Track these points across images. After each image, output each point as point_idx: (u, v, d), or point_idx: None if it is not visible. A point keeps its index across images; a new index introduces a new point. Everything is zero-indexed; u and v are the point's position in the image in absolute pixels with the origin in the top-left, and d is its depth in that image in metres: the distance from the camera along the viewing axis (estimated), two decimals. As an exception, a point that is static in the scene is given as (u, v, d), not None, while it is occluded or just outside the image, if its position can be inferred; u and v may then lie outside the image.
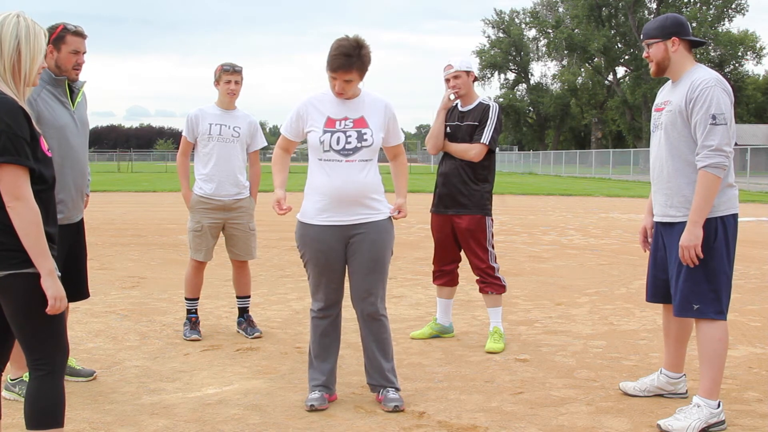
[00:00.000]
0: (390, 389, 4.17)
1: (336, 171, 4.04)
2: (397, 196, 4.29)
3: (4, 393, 4.26)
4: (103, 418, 3.96)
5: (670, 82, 4.08)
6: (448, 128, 5.42)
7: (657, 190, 4.06)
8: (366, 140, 4.08)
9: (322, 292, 4.20)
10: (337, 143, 4.05)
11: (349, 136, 4.06)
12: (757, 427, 3.87)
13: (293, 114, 4.20)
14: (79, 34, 4.24)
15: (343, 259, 4.15)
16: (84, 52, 4.28)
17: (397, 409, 4.06)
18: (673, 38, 3.95)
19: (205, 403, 4.19)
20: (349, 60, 3.96)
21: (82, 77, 4.35)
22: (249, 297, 5.93)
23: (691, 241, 3.78)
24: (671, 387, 4.32)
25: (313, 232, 4.12)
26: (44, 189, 2.85)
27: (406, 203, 4.27)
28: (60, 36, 4.18)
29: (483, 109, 5.36)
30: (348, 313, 4.55)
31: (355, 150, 4.06)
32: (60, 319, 2.89)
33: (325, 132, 4.07)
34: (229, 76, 5.60)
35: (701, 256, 3.79)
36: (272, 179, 4.22)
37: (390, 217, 4.23)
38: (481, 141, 5.28)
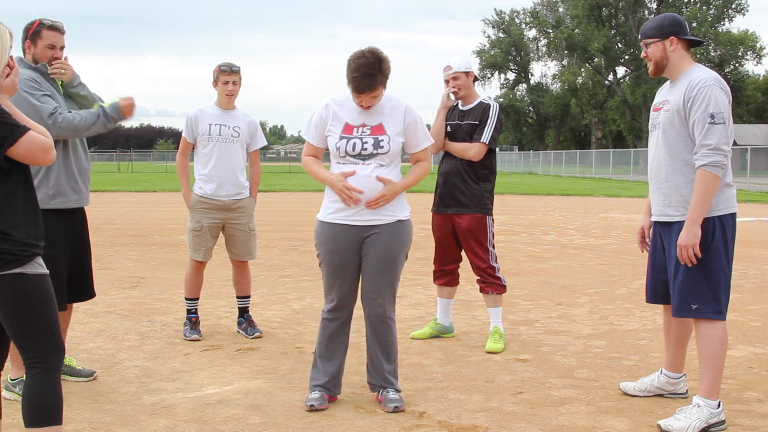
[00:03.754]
0: (390, 390, 4.17)
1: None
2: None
3: (4, 393, 4.26)
4: (103, 418, 3.97)
5: (668, 82, 4.08)
6: (448, 127, 5.43)
7: (655, 190, 4.06)
8: (382, 147, 4.04)
9: (335, 293, 4.18)
10: (353, 149, 4.03)
11: (366, 142, 4.03)
12: (757, 427, 3.88)
13: (315, 119, 4.15)
14: (56, 29, 4.29)
15: (356, 260, 4.12)
16: (62, 47, 4.32)
17: (397, 410, 4.05)
18: (671, 38, 3.95)
19: (205, 403, 4.20)
20: (373, 80, 3.92)
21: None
22: (249, 297, 5.93)
23: (689, 240, 3.77)
24: (671, 387, 4.32)
25: (329, 230, 4.11)
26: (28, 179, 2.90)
27: (393, 192, 4.03)
28: (36, 31, 4.27)
29: (483, 109, 5.36)
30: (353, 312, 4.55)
31: (372, 156, 4.04)
32: (51, 318, 2.90)
33: (341, 138, 4.05)
34: (226, 76, 5.59)
35: (699, 255, 3.79)
36: (319, 176, 4.13)
37: (408, 219, 4.17)
38: (481, 140, 5.28)
